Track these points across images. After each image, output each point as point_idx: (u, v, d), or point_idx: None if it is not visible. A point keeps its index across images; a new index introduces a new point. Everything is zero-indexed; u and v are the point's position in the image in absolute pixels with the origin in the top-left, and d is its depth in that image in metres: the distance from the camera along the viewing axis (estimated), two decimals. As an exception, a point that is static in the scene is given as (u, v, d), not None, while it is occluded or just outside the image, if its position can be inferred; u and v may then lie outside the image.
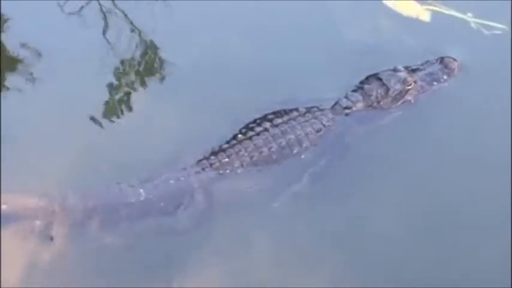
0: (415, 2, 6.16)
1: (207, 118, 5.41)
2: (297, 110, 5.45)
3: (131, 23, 6.25)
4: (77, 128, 5.37)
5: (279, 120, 5.32)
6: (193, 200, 4.97)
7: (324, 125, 5.39)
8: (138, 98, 5.71)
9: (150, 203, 4.90)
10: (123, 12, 6.33)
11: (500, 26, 6.02)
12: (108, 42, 6.08)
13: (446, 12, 6.07)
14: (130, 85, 5.79)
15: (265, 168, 5.16)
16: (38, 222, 4.74)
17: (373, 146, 5.41)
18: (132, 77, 5.86)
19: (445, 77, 5.88)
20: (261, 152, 5.15)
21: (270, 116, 5.38)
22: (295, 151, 5.24)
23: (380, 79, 5.67)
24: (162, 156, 5.10)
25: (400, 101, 5.68)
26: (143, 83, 5.83)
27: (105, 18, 6.27)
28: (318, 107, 5.52)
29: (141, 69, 5.93)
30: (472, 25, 6.04)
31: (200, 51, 5.90)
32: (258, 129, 5.26)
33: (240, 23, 6.18)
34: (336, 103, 5.60)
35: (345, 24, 6.10)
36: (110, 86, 5.74)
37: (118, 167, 5.05)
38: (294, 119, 5.35)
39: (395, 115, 5.63)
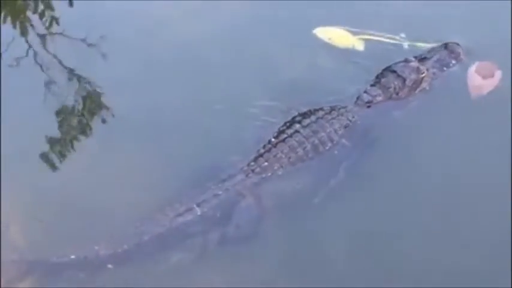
0: (348, 33, 6.40)
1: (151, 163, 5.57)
2: (322, 109, 5.73)
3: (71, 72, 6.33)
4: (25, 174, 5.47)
5: (307, 121, 5.60)
6: (245, 206, 5.22)
7: (350, 121, 5.69)
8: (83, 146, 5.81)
9: (207, 217, 5.14)
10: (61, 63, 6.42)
11: (430, 45, 6.30)
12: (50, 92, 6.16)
13: (380, 39, 6.32)
14: (75, 133, 5.88)
15: (303, 167, 5.43)
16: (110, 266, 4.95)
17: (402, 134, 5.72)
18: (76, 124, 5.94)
19: (453, 61, 6.24)
20: (296, 152, 5.42)
21: (298, 118, 5.66)
22: (327, 148, 5.52)
23: (395, 71, 5.99)
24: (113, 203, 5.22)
25: (417, 90, 6.01)
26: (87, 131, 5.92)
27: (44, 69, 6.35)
28: (341, 105, 5.82)
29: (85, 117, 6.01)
30: (406, 46, 6.32)
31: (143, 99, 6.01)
32: (290, 131, 5.54)
33: (176, 66, 6.31)
34: (357, 99, 5.90)
35: (282, 62, 6.25)
36: (51, 138, 5.81)
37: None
38: (322, 117, 5.64)
39: (415, 103, 5.95)
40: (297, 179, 5.39)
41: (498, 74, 5.95)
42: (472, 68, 6.05)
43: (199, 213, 5.13)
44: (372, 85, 6.00)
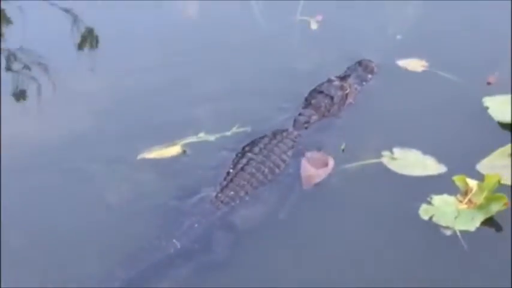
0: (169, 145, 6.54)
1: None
2: (266, 136, 6.26)
3: None
4: None
5: (257, 149, 6.10)
6: (221, 235, 5.64)
7: (294, 141, 6.26)
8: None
9: (187, 249, 5.52)
10: None
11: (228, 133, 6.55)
12: None
13: (193, 140, 6.55)
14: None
15: (265, 190, 5.93)
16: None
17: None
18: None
19: (369, 76, 7.01)
20: (257, 178, 5.91)
21: (247, 148, 6.17)
22: (282, 168, 6.05)
23: (322, 91, 6.67)
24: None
25: (345, 105, 6.71)
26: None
27: None
28: (281, 129, 6.39)
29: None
30: (212, 139, 6.49)
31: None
32: (244, 160, 6.01)
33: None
34: (295, 121, 6.50)
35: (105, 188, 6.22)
36: None
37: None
38: (269, 143, 6.16)
39: (346, 117, 6.64)
40: (262, 201, 5.88)
41: (331, 162, 6.20)
42: (305, 159, 6.25)
43: (179, 246, 5.51)
44: (304, 107, 6.63)
